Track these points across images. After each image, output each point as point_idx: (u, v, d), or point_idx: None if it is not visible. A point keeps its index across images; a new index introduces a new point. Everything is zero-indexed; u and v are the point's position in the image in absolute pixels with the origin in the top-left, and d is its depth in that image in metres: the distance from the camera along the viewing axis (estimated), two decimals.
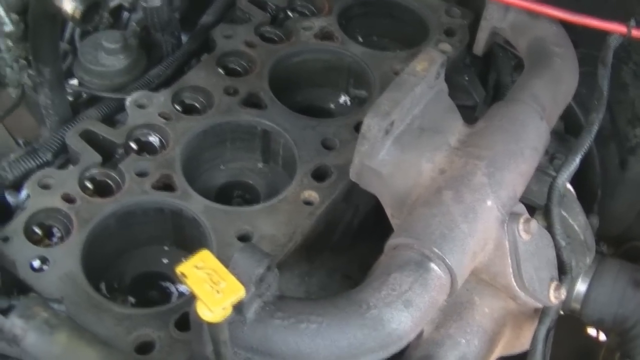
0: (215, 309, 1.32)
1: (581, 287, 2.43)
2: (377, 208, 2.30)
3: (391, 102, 1.95)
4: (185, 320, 1.87)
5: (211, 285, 1.33)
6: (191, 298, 1.88)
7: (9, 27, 1.99)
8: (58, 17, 2.15)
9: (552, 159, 2.41)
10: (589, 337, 3.15)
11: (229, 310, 1.35)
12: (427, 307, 1.73)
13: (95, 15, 1.96)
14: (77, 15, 1.91)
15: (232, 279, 1.35)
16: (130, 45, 2.65)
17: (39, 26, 2.09)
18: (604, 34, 2.18)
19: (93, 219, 2.10)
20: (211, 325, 1.39)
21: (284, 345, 1.63)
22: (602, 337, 3.10)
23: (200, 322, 1.52)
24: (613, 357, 2.78)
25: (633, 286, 2.43)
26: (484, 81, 2.82)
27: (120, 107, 2.46)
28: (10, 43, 2.11)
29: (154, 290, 2.23)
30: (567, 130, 2.65)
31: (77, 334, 1.54)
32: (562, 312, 2.41)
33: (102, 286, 2.13)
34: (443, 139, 2.03)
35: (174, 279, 2.23)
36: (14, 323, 1.52)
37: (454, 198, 1.87)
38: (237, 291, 1.34)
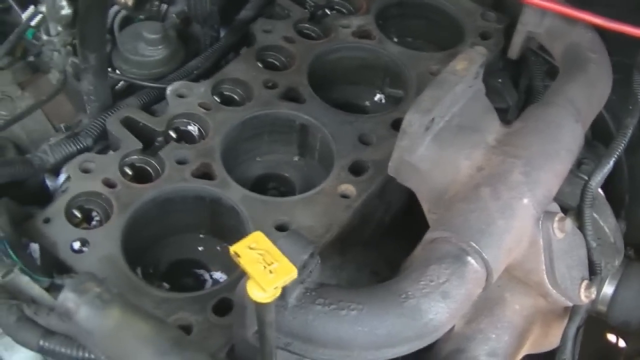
0: (268, 289, 1.35)
1: (608, 289, 2.45)
2: (406, 206, 2.35)
3: (432, 99, 1.98)
4: (223, 305, 1.93)
5: (264, 266, 1.36)
6: (230, 284, 1.94)
7: (65, 11, 2.02)
8: (108, 5, 2.20)
9: (579, 163, 2.44)
10: (609, 342, 3.16)
11: (279, 291, 1.38)
12: (463, 300, 1.77)
13: (146, 3, 1.99)
14: (130, 1, 1.95)
15: (284, 260, 1.38)
16: (170, 36, 2.69)
17: (89, 13, 2.12)
18: (637, 42, 2.20)
19: (133, 204, 2.14)
20: (259, 306, 1.42)
21: (324, 331, 1.67)
22: (622, 343, 3.12)
23: (244, 303, 1.56)
24: None
25: None
26: (515, 85, 2.85)
27: (159, 96, 2.50)
28: (60, 28, 2.15)
29: (189, 277, 2.27)
30: (594, 136, 2.68)
31: (130, 309, 1.57)
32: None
33: (138, 271, 2.17)
34: (481, 137, 2.07)
35: (209, 267, 2.27)
36: (67, 297, 1.55)
37: (492, 195, 1.91)
38: (289, 272, 1.37)
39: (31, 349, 1.76)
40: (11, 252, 1.87)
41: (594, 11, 2.18)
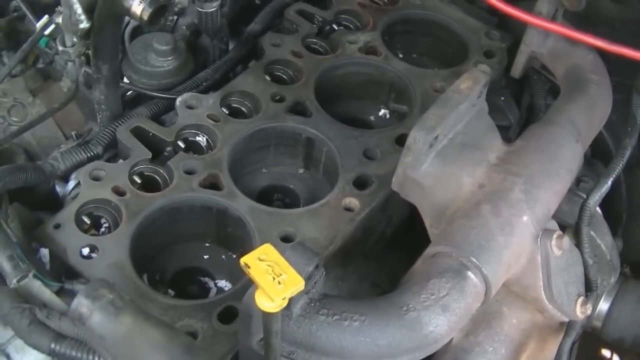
0: (277, 299, 1.40)
1: (604, 305, 2.49)
2: (408, 220, 2.39)
3: (437, 117, 2.03)
4: (228, 313, 1.97)
5: (273, 277, 1.41)
6: (235, 292, 1.98)
7: (83, 24, 2.06)
8: (122, 18, 2.25)
9: (579, 182, 2.48)
10: (604, 358, 3.19)
11: (286, 301, 1.43)
12: (462, 313, 1.81)
13: (161, 18, 2.04)
14: (146, 16, 1.99)
15: (292, 271, 1.42)
16: (180, 47, 2.73)
17: (104, 25, 2.16)
18: (637, 64, 2.24)
19: (141, 212, 2.19)
20: (266, 315, 1.47)
21: (327, 341, 1.71)
22: (616, 358, 3.15)
23: (250, 312, 1.60)
24: None
25: None
26: (518, 103, 2.90)
27: (168, 107, 2.55)
28: (75, 39, 2.19)
29: (194, 285, 2.31)
30: (594, 155, 2.72)
31: (142, 315, 1.62)
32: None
33: (145, 278, 2.20)
34: (483, 155, 2.11)
35: (214, 275, 2.32)
36: (81, 303, 1.59)
37: (492, 212, 1.95)
38: (297, 283, 1.42)
39: (42, 351, 1.81)
40: (25, 258, 1.91)
41: (596, 33, 2.22)
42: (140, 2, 2.01)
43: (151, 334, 1.60)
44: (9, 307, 1.83)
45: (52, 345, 1.79)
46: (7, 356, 1.95)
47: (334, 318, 1.71)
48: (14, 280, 1.86)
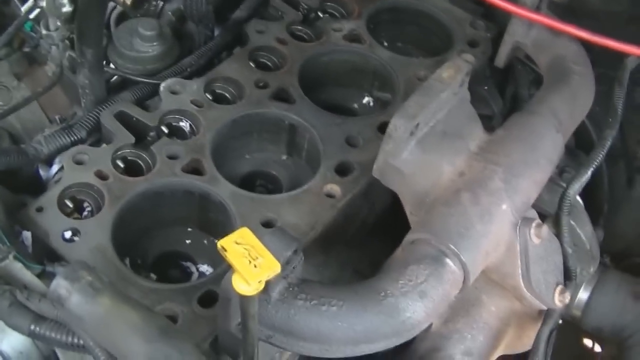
0: (252, 282, 1.40)
1: (583, 294, 2.52)
2: (391, 208, 2.39)
3: (418, 105, 2.03)
4: (208, 297, 1.98)
5: (249, 260, 1.42)
6: (215, 277, 1.99)
7: (66, 8, 2.07)
8: (106, 2, 2.25)
9: (561, 172, 2.49)
10: (585, 347, 3.21)
11: (262, 285, 1.44)
12: (440, 300, 1.82)
13: (144, 2, 2.04)
14: (129, 1, 1.99)
15: (269, 255, 1.43)
16: (165, 33, 2.72)
17: (88, 10, 2.16)
18: (620, 55, 2.26)
19: (124, 196, 2.19)
20: (243, 299, 1.47)
21: (305, 325, 1.72)
22: (598, 348, 3.17)
23: (229, 296, 1.61)
24: None
25: (633, 298, 2.52)
26: (501, 93, 2.90)
27: (152, 92, 2.55)
28: (59, 23, 2.19)
29: (175, 269, 2.32)
30: (577, 145, 2.74)
31: (120, 297, 1.63)
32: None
33: (127, 261, 2.20)
34: (464, 144, 2.12)
35: (195, 260, 2.33)
36: (59, 284, 1.60)
37: (471, 200, 1.96)
38: (273, 267, 1.43)
39: (22, 333, 1.82)
40: (5, 239, 1.92)
41: (579, 25, 2.22)
42: None
43: (129, 315, 1.61)
44: None
45: (32, 327, 1.80)
46: None
47: (312, 303, 1.72)
48: None
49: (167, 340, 1.58)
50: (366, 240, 2.55)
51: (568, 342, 2.92)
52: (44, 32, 2.27)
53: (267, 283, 1.48)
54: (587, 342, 3.21)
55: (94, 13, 2.21)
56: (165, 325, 1.64)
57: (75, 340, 1.77)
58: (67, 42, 2.32)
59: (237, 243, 1.44)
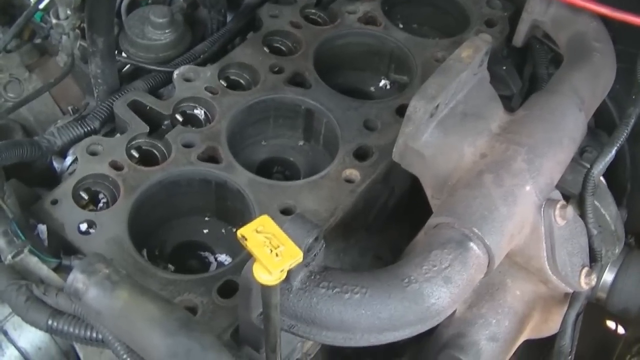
0: (274, 271, 1.37)
1: (608, 276, 2.48)
2: (410, 192, 2.37)
3: (437, 86, 2.00)
4: (228, 287, 1.95)
5: (270, 249, 1.38)
6: (234, 266, 1.96)
7: None
8: None
9: (582, 152, 2.45)
10: (608, 329, 3.17)
11: (284, 274, 1.40)
12: (465, 285, 1.79)
13: None
14: None
15: (290, 243, 1.40)
16: (177, 20, 2.69)
17: None
18: None
19: (140, 186, 2.17)
20: (265, 288, 1.44)
21: (328, 314, 1.69)
22: (621, 330, 3.14)
23: (250, 286, 1.58)
24: (630, 350, 2.83)
25: None
26: (520, 72, 2.86)
27: (166, 80, 2.53)
28: (69, 12, 2.16)
29: (194, 259, 2.30)
30: (597, 125, 2.69)
31: (138, 290, 1.59)
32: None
33: (144, 253, 2.18)
34: (485, 125, 2.08)
35: (214, 249, 2.30)
36: (76, 278, 1.57)
37: (495, 181, 1.93)
38: (295, 255, 1.39)
39: (40, 328, 1.79)
40: (20, 233, 1.89)
41: (599, 0, 2.18)
42: None
43: (148, 308, 1.57)
44: (5, 284, 1.80)
45: (50, 322, 1.77)
46: (5, 333, 1.94)
47: (334, 291, 1.69)
48: (9, 256, 1.84)
49: (187, 333, 1.55)
50: (386, 225, 2.52)
51: (591, 324, 2.88)
52: (54, 21, 2.24)
53: (289, 272, 1.45)
54: (611, 324, 3.17)
55: (104, 0, 2.18)
56: (185, 318, 1.60)
57: (94, 335, 1.74)
58: (77, 31, 2.29)
59: (257, 231, 1.40)
